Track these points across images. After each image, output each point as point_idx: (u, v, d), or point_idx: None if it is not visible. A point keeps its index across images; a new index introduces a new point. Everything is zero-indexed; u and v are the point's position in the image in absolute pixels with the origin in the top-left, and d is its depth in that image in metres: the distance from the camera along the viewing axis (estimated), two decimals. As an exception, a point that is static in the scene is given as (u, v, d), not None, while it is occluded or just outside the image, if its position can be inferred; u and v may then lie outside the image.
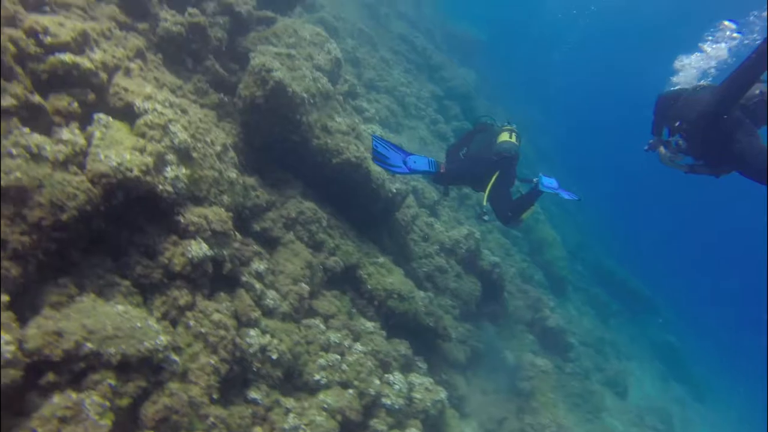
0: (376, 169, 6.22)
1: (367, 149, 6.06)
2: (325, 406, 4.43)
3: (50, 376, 2.69)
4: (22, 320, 2.84)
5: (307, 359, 4.64)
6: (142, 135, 3.64)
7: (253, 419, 3.93)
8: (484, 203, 5.76)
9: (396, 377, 5.31)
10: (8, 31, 3.29)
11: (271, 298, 4.59)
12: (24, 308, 2.92)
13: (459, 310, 8.02)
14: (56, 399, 2.71)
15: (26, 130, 3.10)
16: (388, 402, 5.03)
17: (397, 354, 5.68)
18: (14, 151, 3.00)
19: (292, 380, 4.53)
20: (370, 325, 5.60)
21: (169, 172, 3.66)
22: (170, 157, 3.72)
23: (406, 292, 6.18)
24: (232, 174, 4.57)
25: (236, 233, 4.43)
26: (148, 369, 3.11)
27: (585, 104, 47.07)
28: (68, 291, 3.02)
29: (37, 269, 2.99)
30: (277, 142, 5.50)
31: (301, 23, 7.04)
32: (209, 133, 4.48)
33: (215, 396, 3.51)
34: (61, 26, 3.56)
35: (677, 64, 5.44)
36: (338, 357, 4.86)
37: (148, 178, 3.45)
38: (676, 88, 4.95)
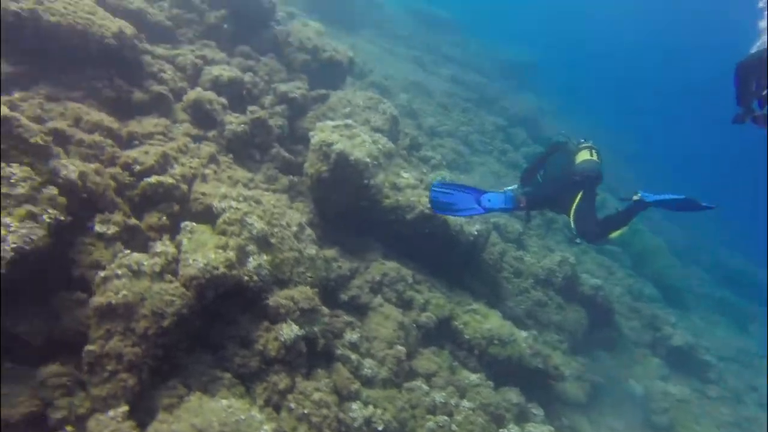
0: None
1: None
2: (442, 472, 4.24)
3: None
4: (142, 425, 3.05)
5: (414, 425, 4.51)
6: (223, 232, 3.92)
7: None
8: (572, 226, 5.48)
9: (512, 431, 4.99)
10: (109, 169, 3.83)
11: (369, 366, 4.58)
12: (142, 413, 3.15)
13: (567, 344, 7.50)
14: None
15: (127, 251, 3.47)
16: (508, 459, 4.73)
17: (509, 404, 5.37)
18: (120, 272, 3.34)
19: (403, 449, 4.42)
20: (474, 377, 5.38)
21: (252, 261, 3.87)
22: (251, 247, 3.95)
23: (506, 335, 5.90)
24: (312, 251, 4.74)
25: (324, 307, 4.53)
26: (259, 460, 3.17)
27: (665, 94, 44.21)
28: (177, 392, 3.23)
29: (149, 375, 3.24)
30: (349, 209, 5.67)
31: (352, 92, 7.38)
32: (284, 216, 4.71)
33: (328, 477, 3.49)
34: (146, 154, 4.04)
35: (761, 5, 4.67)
36: (446, 418, 4.68)
37: (234, 272, 3.66)
38: (759, 48, 4.41)
